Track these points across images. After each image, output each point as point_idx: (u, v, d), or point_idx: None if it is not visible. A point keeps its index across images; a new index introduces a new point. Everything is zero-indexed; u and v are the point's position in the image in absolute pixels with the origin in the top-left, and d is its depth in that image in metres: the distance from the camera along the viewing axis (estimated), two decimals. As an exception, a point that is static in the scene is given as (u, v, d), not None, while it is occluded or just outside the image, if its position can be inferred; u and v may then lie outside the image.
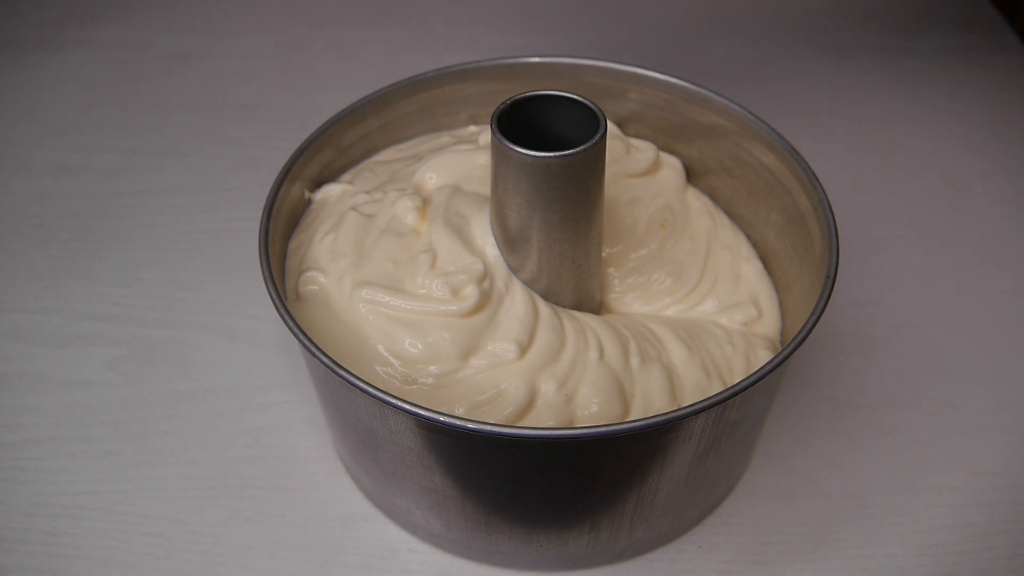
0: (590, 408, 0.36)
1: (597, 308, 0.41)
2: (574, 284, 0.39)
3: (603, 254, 0.42)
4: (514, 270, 0.39)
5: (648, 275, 0.42)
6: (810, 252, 0.40)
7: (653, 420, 0.31)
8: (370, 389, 0.32)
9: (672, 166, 0.46)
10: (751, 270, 0.44)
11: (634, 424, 0.31)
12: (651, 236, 0.43)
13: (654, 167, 0.46)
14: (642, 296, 0.42)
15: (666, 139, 0.47)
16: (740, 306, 0.42)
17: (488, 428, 0.31)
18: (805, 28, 0.75)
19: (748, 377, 0.32)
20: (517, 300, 0.38)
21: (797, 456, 0.46)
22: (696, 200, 0.46)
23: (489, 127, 0.46)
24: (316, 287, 0.40)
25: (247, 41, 0.74)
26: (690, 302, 0.42)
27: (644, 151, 0.46)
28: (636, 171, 0.45)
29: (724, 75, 0.69)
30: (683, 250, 0.43)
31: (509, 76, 0.47)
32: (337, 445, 0.45)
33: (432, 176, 0.42)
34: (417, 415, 0.31)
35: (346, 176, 0.46)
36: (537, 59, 0.46)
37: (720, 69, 0.70)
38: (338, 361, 0.33)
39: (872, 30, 0.75)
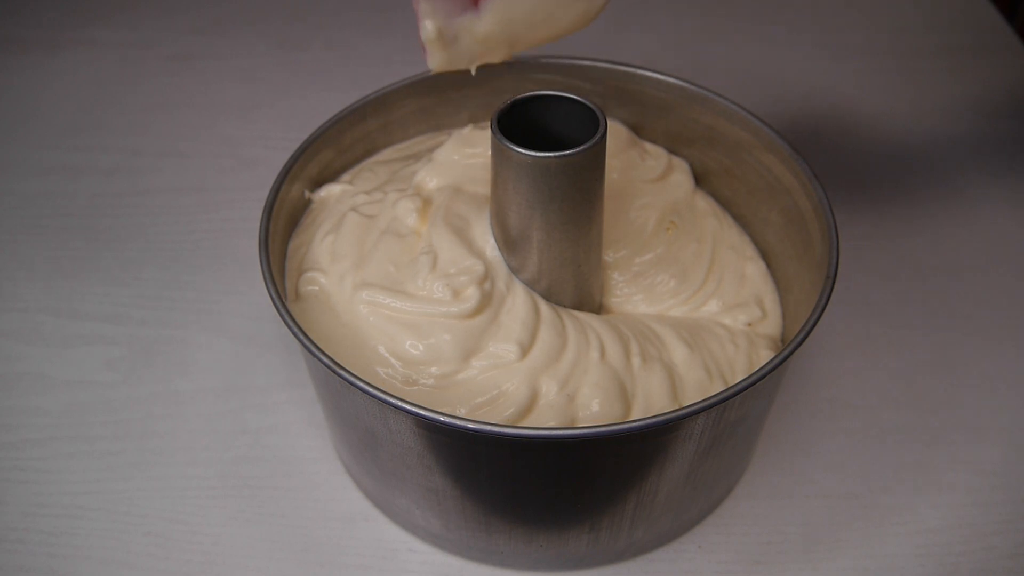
0: (591, 408, 0.36)
1: (597, 309, 0.41)
2: (575, 284, 0.39)
3: (610, 258, 0.42)
4: (515, 271, 0.39)
5: (653, 277, 0.42)
6: (810, 252, 0.40)
7: (653, 420, 0.31)
8: (370, 389, 0.32)
9: (682, 170, 0.46)
10: (755, 270, 0.44)
11: (634, 424, 0.31)
12: (657, 240, 0.43)
13: (666, 172, 0.46)
14: (647, 298, 0.42)
15: (666, 140, 0.47)
16: (744, 306, 0.42)
17: (488, 428, 0.31)
18: (805, 28, 0.75)
19: (748, 377, 0.32)
20: (518, 301, 0.38)
21: (797, 456, 0.46)
22: (703, 201, 0.46)
23: (464, 129, 0.46)
24: (316, 287, 0.40)
25: (247, 41, 0.74)
26: (695, 303, 0.42)
27: (657, 157, 0.46)
28: (650, 177, 0.45)
29: (724, 75, 0.69)
30: (689, 252, 0.43)
31: (509, 76, 0.47)
32: (337, 445, 0.45)
33: (432, 177, 0.42)
34: (417, 415, 0.31)
35: (346, 176, 0.46)
36: (537, 59, 0.46)
37: (720, 69, 0.70)
38: (338, 361, 0.33)
39: (872, 30, 0.75)
